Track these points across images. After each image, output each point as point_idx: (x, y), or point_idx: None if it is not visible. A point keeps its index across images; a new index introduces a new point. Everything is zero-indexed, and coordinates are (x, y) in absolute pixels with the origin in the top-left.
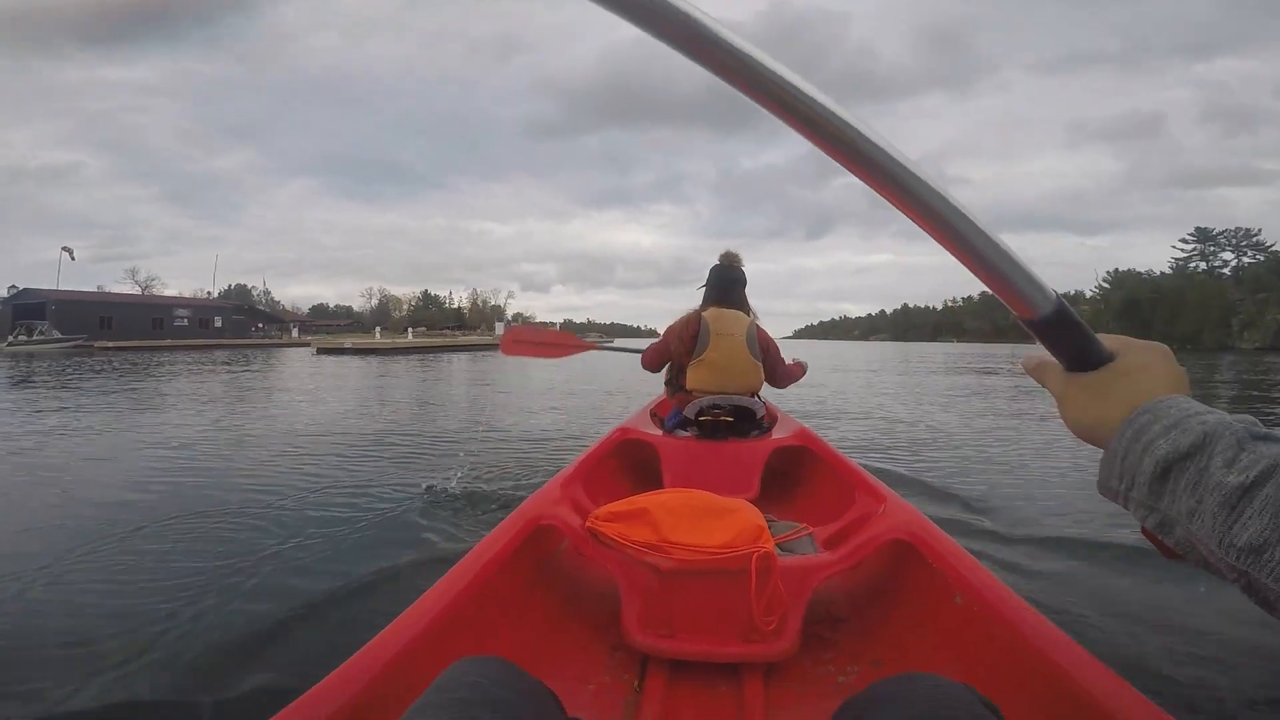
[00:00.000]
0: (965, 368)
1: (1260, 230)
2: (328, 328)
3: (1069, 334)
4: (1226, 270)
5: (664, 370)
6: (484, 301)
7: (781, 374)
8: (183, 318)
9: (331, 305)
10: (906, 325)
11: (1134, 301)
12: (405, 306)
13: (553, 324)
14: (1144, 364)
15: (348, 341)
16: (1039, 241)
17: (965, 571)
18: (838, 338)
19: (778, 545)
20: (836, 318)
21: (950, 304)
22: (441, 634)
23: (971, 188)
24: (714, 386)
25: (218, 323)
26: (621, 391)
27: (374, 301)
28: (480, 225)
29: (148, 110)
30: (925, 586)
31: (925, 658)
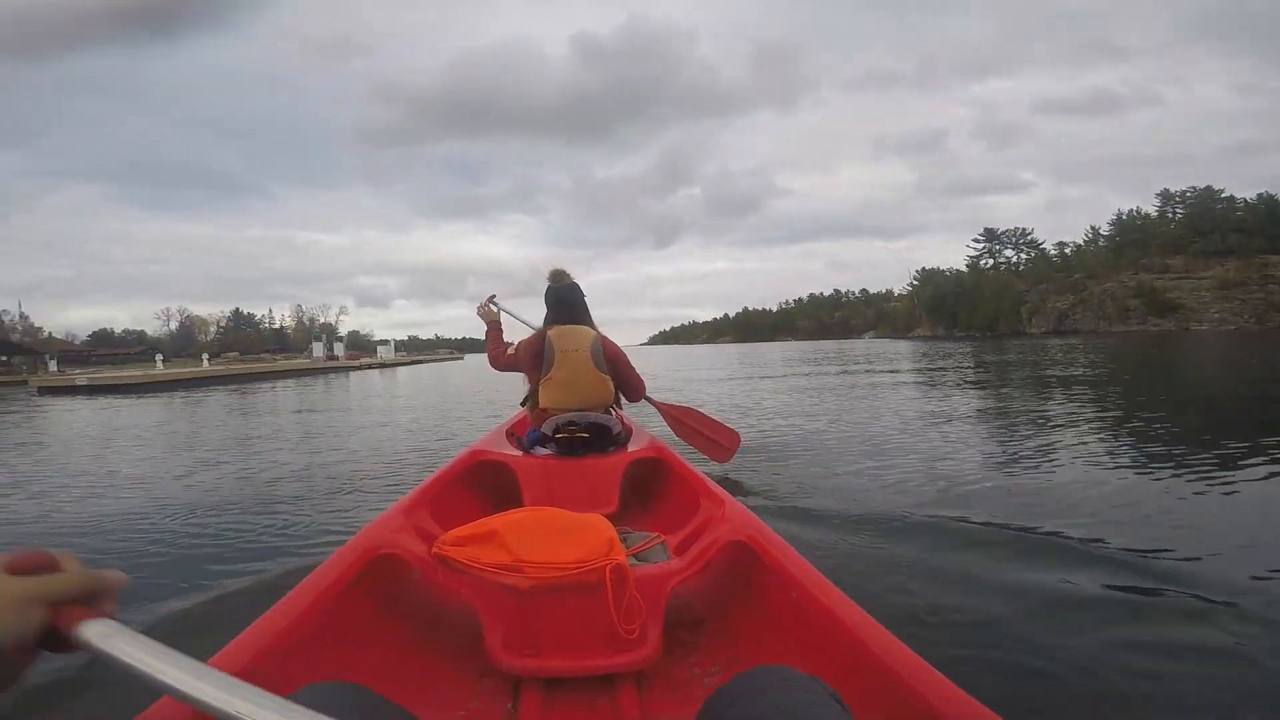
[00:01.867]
0: (795, 365)
1: (1033, 229)
2: (113, 357)
3: None
4: (1008, 265)
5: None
6: (311, 319)
7: (635, 384)
8: None
9: (119, 330)
10: (747, 327)
11: (941, 296)
12: (212, 328)
13: (391, 341)
14: None
15: (82, 377)
16: (853, 246)
17: (795, 569)
18: (687, 341)
19: (633, 555)
20: (686, 323)
21: (784, 305)
22: (281, 661)
23: (795, 198)
24: (565, 403)
25: None
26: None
27: (172, 324)
28: (308, 236)
29: None
30: (765, 584)
31: (776, 652)
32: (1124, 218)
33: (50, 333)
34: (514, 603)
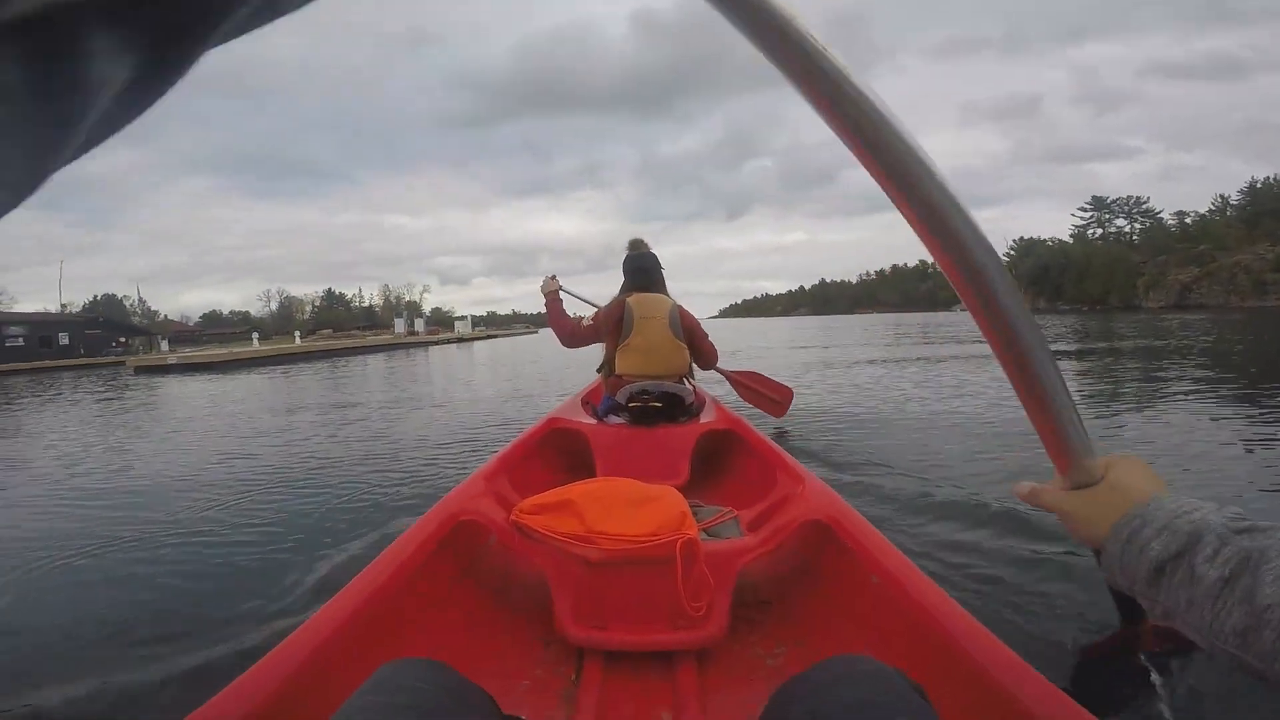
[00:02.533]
0: (880, 339)
1: (1149, 198)
2: (220, 336)
3: (1084, 465)
4: (1120, 235)
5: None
6: (398, 298)
7: (707, 353)
8: (16, 336)
9: (226, 312)
10: (825, 299)
11: (1045, 267)
12: (308, 308)
13: (475, 317)
14: (1128, 473)
15: (172, 356)
16: None
17: (878, 553)
18: (761, 315)
19: (704, 530)
20: (759, 295)
21: (865, 277)
22: (361, 635)
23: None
24: (642, 370)
25: (64, 340)
26: (551, 378)
27: (273, 305)
28: (393, 220)
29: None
30: (843, 567)
31: (846, 638)
32: (1259, 186)
33: (166, 315)
34: (584, 573)
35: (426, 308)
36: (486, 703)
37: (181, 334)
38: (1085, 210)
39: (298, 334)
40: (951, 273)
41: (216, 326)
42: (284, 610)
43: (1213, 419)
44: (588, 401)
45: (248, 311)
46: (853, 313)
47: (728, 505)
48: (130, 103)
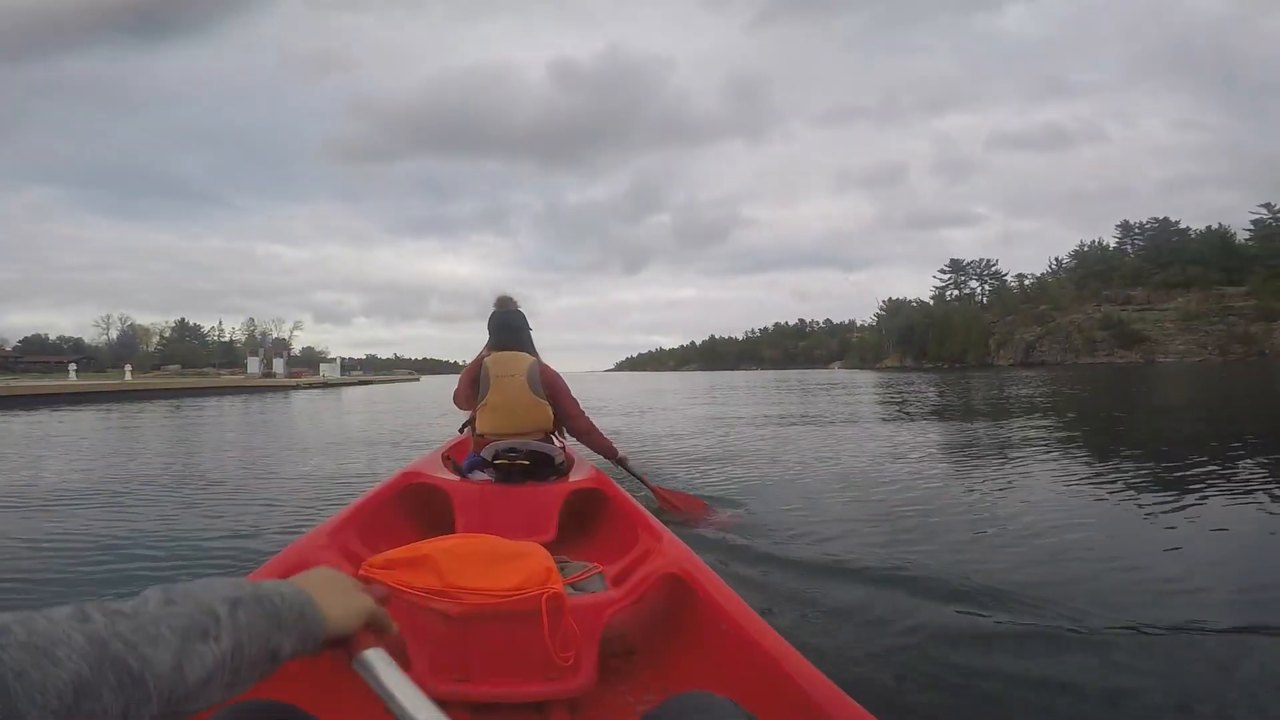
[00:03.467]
0: (760, 394)
1: (998, 260)
2: (41, 365)
3: None
4: (973, 296)
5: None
6: (263, 333)
7: (574, 415)
8: None
9: (53, 337)
10: (714, 355)
11: (909, 327)
12: (155, 339)
13: (353, 359)
14: None
15: None
16: (816, 277)
17: (724, 601)
18: (654, 368)
19: (570, 584)
20: (653, 349)
21: (750, 334)
22: None
23: (760, 228)
24: (501, 428)
25: None
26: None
27: (112, 333)
28: (267, 248)
29: None
30: (698, 616)
31: (703, 680)
32: (1085, 249)
33: None
34: (443, 628)
35: (297, 346)
36: None
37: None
38: (944, 272)
39: (128, 369)
40: None
41: (37, 353)
42: None
43: (1054, 468)
44: (448, 457)
45: (80, 339)
46: (737, 369)
47: (594, 561)
48: None
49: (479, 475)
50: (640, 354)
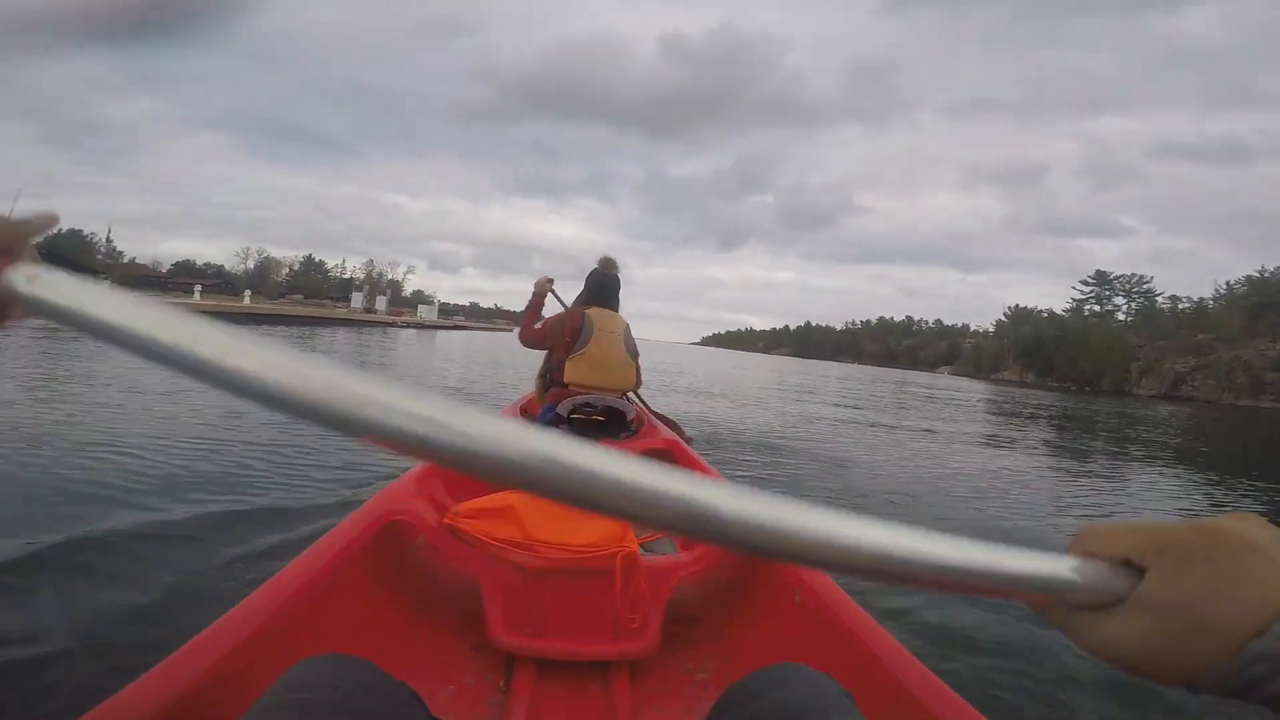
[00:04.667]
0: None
1: (1152, 278)
2: (185, 286)
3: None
4: (1120, 314)
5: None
6: (380, 274)
7: (638, 378)
8: None
9: (200, 263)
10: (808, 342)
11: (1039, 339)
12: (285, 270)
13: (436, 301)
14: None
15: None
16: (927, 274)
17: (800, 570)
18: (742, 348)
19: (641, 545)
20: (742, 329)
21: (850, 325)
22: (280, 632)
23: (872, 217)
24: (593, 381)
25: None
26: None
27: (249, 263)
28: (393, 199)
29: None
30: (769, 585)
31: (771, 654)
32: (1264, 276)
33: (134, 259)
34: (519, 580)
35: (409, 288)
36: (414, 703)
37: (146, 278)
38: (1086, 284)
39: (248, 294)
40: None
41: (184, 276)
42: (204, 601)
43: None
44: (525, 411)
45: (222, 265)
46: (834, 359)
47: None
48: None
49: (553, 430)
50: (729, 331)
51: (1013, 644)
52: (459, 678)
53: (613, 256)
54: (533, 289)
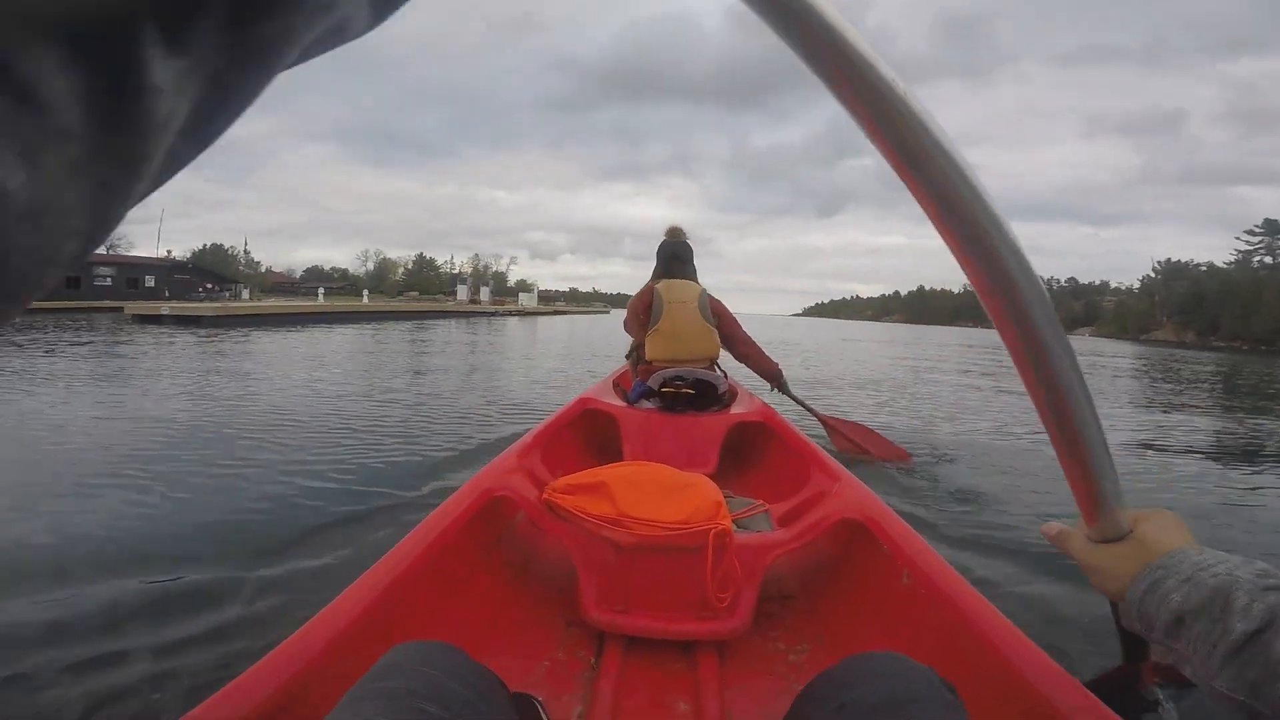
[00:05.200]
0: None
1: None
2: (312, 289)
3: (1113, 519)
4: None
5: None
6: (485, 266)
7: (741, 339)
8: (105, 276)
9: (327, 268)
10: (922, 307)
11: (1198, 296)
12: (400, 270)
13: (535, 288)
14: (1159, 529)
15: (164, 307)
16: (1049, 231)
17: (913, 552)
18: (849, 317)
19: (734, 521)
20: (848, 297)
21: (968, 288)
22: (381, 617)
23: (987, 174)
24: (671, 354)
25: (149, 282)
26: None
27: (369, 265)
28: (489, 194)
29: None
30: (873, 566)
31: (870, 637)
32: None
33: (270, 268)
34: (612, 556)
35: (512, 279)
36: (496, 687)
37: (281, 285)
38: (1254, 234)
39: (365, 293)
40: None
41: (315, 280)
42: (318, 581)
43: None
44: (618, 385)
45: (346, 269)
46: (953, 324)
47: (758, 498)
48: (196, 136)
49: (645, 404)
50: (833, 300)
51: None
52: (550, 654)
53: (677, 225)
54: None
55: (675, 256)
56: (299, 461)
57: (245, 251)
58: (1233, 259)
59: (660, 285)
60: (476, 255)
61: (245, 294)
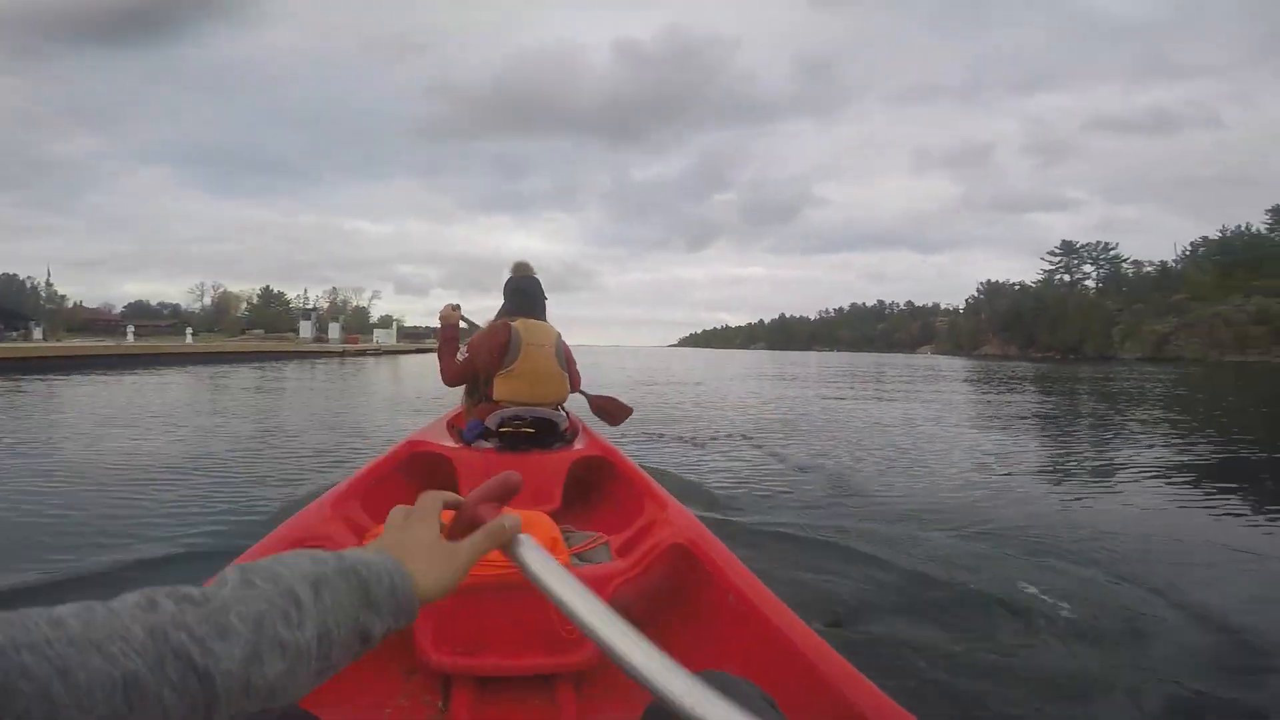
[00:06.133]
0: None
1: (1117, 244)
2: (148, 329)
3: None
4: (1089, 281)
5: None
6: (343, 301)
7: (576, 382)
8: None
9: (154, 302)
10: (784, 334)
11: (1016, 312)
12: (243, 305)
13: (394, 324)
14: None
15: None
16: (891, 259)
17: (732, 574)
18: (720, 346)
19: (575, 555)
20: (718, 326)
21: (824, 314)
22: None
23: (832, 207)
24: (525, 397)
25: None
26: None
27: (205, 299)
28: (354, 224)
29: None
30: (705, 589)
31: (712, 656)
32: (1229, 235)
33: (81, 302)
34: (447, 600)
35: (376, 314)
36: None
37: (98, 323)
38: (1055, 254)
39: (189, 331)
40: None
41: (138, 317)
42: None
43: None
44: (453, 425)
45: (178, 304)
46: (810, 349)
47: (599, 530)
48: None
49: (482, 444)
50: (705, 330)
51: (954, 649)
52: (392, 702)
53: (525, 260)
54: (439, 321)
55: (524, 292)
56: (77, 519)
57: (47, 284)
58: (1040, 278)
59: (519, 324)
60: (334, 289)
61: (37, 333)
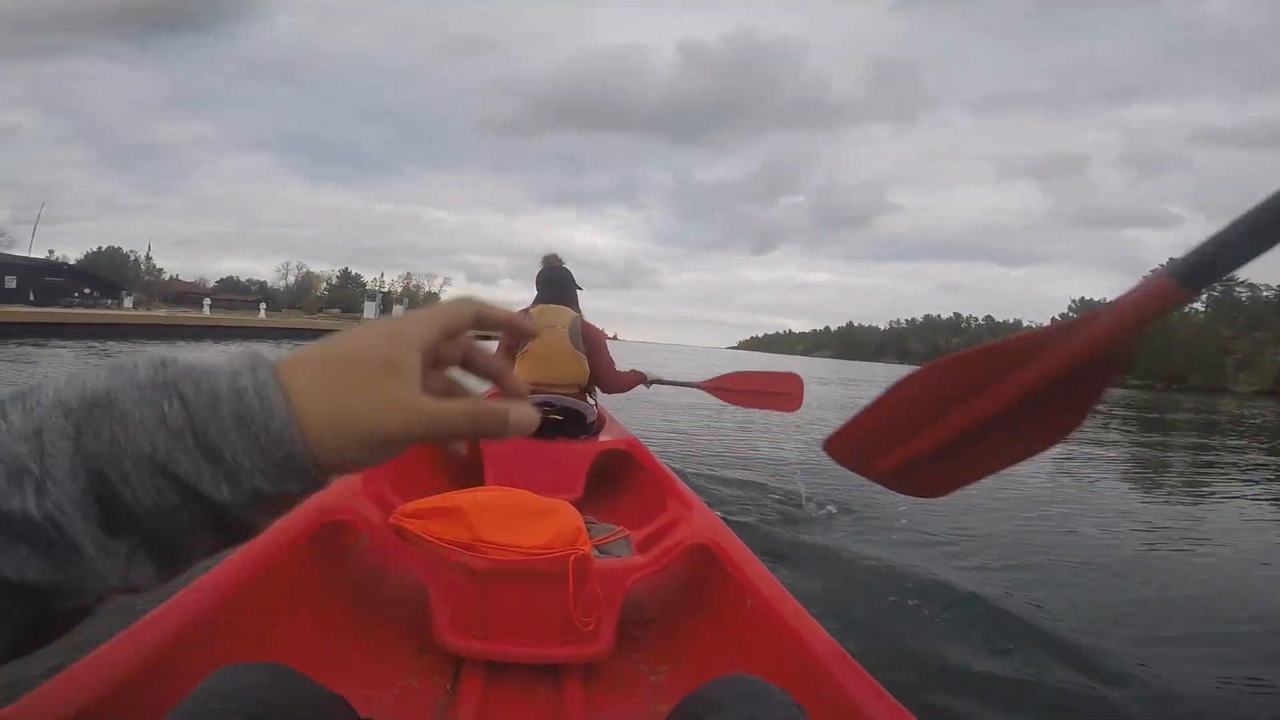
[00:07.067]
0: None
1: None
2: (227, 303)
3: None
4: (1197, 305)
5: None
6: (416, 286)
7: (608, 373)
8: None
9: (244, 279)
10: (850, 343)
11: None
12: (324, 285)
13: None
14: None
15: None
16: (967, 270)
17: (754, 577)
18: (781, 351)
19: (595, 547)
20: (781, 331)
21: (894, 324)
22: (199, 639)
23: (907, 215)
24: (538, 377)
25: (10, 284)
26: None
27: (289, 278)
28: (431, 213)
29: (105, 78)
30: (723, 590)
31: (723, 659)
32: None
33: (177, 276)
34: (467, 582)
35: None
36: (338, 706)
37: (187, 295)
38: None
39: (263, 307)
40: None
41: (231, 292)
42: (118, 606)
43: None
44: None
45: (265, 282)
46: (878, 360)
47: (619, 524)
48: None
49: None
50: (766, 334)
51: (970, 657)
52: (401, 681)
53: (554, 252)
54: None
55: (549, 282)
56: None
57: (147, 257)
58: None
59: (534, 310)
60: (408, 274)
61: (128, 302)
